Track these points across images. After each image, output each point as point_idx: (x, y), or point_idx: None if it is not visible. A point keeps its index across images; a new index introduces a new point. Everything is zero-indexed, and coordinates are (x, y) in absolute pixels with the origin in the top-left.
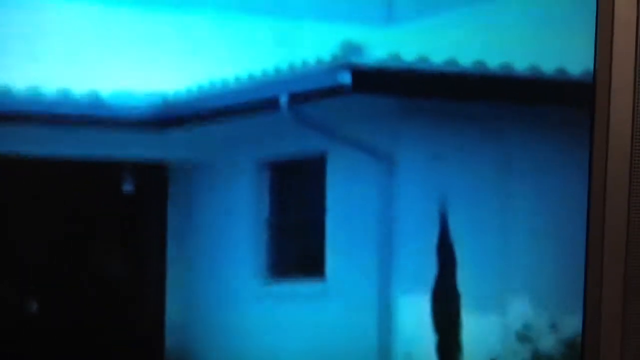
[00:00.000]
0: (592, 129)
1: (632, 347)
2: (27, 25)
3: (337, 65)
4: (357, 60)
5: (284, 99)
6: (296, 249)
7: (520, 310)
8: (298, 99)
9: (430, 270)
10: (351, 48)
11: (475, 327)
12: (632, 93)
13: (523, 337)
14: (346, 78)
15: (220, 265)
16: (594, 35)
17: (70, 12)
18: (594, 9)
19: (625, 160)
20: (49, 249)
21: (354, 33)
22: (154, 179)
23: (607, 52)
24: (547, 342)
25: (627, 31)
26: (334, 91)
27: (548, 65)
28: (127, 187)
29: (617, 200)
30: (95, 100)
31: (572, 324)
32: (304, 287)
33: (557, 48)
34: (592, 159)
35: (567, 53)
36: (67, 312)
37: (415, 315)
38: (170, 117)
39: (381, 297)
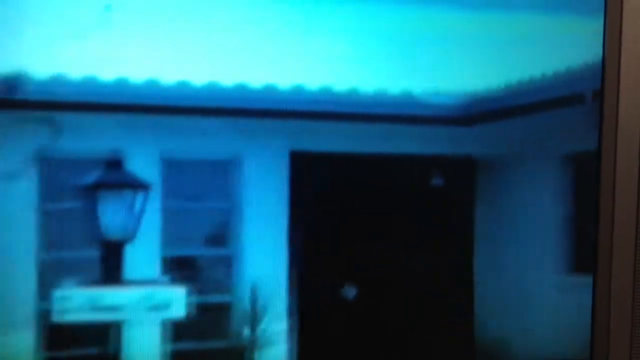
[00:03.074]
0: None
1: None
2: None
3: None
4: None
5: (589, 94)
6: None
7: None
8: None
9: None
10: None
11: None
12: None
13: None
14: None
15: (525, 259)
16: None
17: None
18: None
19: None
20: (364, 240)
21: None
22: (462, 174)
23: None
24: None
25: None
26: None
27: None
28: (436, 181)
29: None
30: (409, 99)
31: None
32: None
33: None
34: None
35: None
36: (380, 301)
37: None
38: (478, 113)
39: None
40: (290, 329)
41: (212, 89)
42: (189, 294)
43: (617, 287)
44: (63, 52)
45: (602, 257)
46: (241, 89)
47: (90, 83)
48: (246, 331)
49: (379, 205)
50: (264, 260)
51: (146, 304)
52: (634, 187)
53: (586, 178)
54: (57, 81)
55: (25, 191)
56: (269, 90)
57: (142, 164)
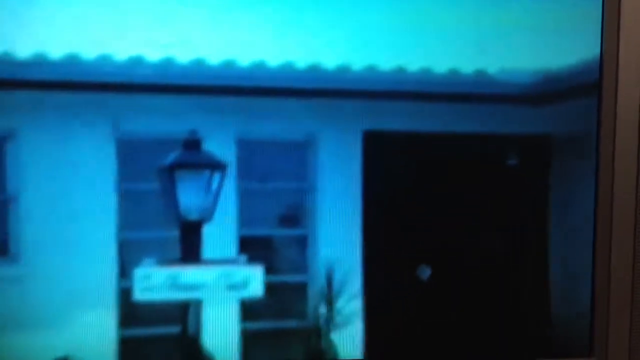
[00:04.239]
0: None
1: None
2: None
3: None
4: None
5: None
6: None
7: None
8: None
9: None
10: None
11: None
12: None
13: None
14: None
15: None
16: None
17: None
18: None
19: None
20: (438, 219)
21: None
22: (537, 153)
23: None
24: None
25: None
26: None
27: None
28: (512, 160)
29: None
30: (483, 77)
31: None
32: None
33: None
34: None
35: None
36: (455, 279)
37: None
38: (554, 91)
39: None
40: (365, 308)
41: (287, 70)
42: (266, 273)
43: (616, 282)
44: (140, 35)
45: (601, 252)
46: (315, 70)
47: (167, 65)
48: (322, 310)
49: (453, 184)
50: (338, 240)
51: (224, 283)
52: (633, 176)
53: None
54: (135, 63)
55: (105, 172)
56: (343, 70)
57: (219, 144)
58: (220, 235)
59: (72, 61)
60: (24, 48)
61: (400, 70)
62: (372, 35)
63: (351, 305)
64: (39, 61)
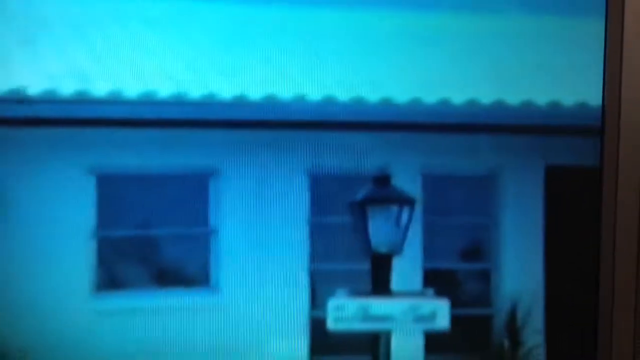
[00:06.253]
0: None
1: None
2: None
3: None
4: None
5: None
6: None
7: None
8: None
9: None
10: None
11: None
12: None
13: None
14: None
15: None
16: None
17: None
18: None
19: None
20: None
21: None
22: None
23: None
24: None
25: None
26: None
27: None
28: None
29: None
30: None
31: None
32: None
33: None
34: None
35: None
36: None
37: None
38: None
39: None
40: (548, 342)
41: (472, 106)
42: (451, 306)
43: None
44: (332, 76)
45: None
46: (499, 106)
47: (357, 103)
48: (506, 344)
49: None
50: (521, 274)
51: (412, 315)
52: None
53: None
54: (328, 102)
55: (298, 206)
56: (526, 105)
57: (405, 179)
58: (406, 268)
59: (270, 102)
60: (226, 91)
61: (583, 106)
62: (556, 71)
63: (535, 338)
64: (240, 102)
